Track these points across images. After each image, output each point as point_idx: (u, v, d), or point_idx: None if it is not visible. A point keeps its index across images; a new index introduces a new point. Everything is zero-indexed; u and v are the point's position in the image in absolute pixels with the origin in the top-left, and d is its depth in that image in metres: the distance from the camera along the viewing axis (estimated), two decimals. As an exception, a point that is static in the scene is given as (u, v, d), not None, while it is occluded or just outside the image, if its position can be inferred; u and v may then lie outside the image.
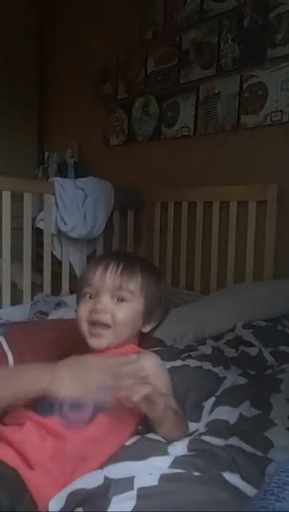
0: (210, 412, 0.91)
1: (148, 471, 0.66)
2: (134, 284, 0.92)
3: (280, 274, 1.97)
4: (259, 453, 0.74)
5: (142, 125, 2.67)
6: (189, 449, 0.75)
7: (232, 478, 0.67)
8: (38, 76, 3.44)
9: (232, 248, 2.12)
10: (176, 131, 2.46)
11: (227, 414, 0.88)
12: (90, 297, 0.92)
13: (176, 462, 0.69)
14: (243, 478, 0.67)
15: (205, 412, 0.92)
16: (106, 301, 0.90)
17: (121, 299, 0.90)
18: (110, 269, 0.92)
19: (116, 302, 0.90)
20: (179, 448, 0.75)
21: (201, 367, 1.10)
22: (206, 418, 0.90)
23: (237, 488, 0.65)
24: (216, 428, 0.83)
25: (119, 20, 2.75)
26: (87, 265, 1.10)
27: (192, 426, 0.88)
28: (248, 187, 2.06)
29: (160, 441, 0.78)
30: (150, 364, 0.86)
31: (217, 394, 0.97)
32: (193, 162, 2.37)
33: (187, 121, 2.40)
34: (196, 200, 2.29)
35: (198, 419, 0.90)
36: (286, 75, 1.95)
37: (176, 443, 0.77)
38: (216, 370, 1.09)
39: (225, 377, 1.05)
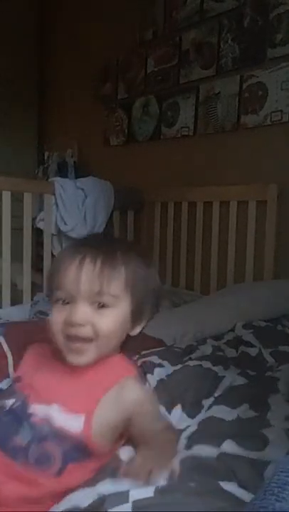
0: (207, 409, 0.91)
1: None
2: (117, 285, 0.75)
3: (280, 274, 1.97)
4: (255, 456, 0.73)
5: (142, 125, 2.67)
6: (183, 464, 0.71)
7: (229, 486, 0.66)
8: (38, 76, 3.44)
9: (232, 248, 2.12)
10: (176, 131, 2.46)
11: (223, 413, 0.88)
12: (64, 303, 0.75)
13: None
14: (240, 485, 0.66)
15: (203, 410, 0.92)
16: (84, 310, 0.73)
17: (102, 305, 0.74)
18: (85, 268, 0.73)
19: (97, 309, 0.74)
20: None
21: (200, 365, 1.10)
22: (202, 415, 0.90)
23: (235, 497, 0.64)
24: (208, 429, 0.82)
25: (119, 20, 2.75)
26: (55, 258, 0.89)
27: (187, 422, 0.88)
28: (248, 187, 2.06)
29: None
30: (133, 396, 0.75)
31: (216, 394, 0.97)
32: (193, 162, 2.37)
33: (187, 121, 2.40)
34: (196, 200, 2.29)
35: (194, 416, 0.90)
36: (286, 75, 1.95)
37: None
38: (215, 369, 1.09)
39: (224, 377, 1.05)
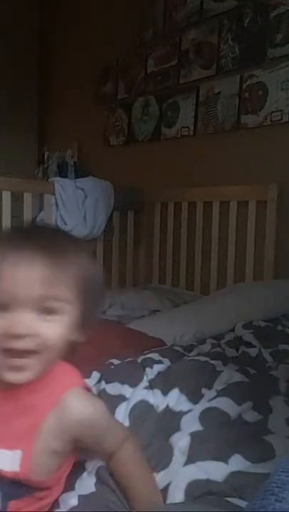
0: (210, 400, 0.91)
1: None
2: (66, 287, 0.62)
3: (280, 274, 1.97)
4: (263, 470, 0.71)
5: (141, 125, 2.67)
6: (187, 494, 0.69)
7: (233, 499, 0.66)
8: (39, 76, 3.44)
9: (232, 248, 2.12)
10: (176, 131, 2.46)
11: (228, 406, 0.88)
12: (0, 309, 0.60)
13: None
14: (244, 499, 0.65)
15: (204, 399, 0.92)
16: (27, 319, 0.60)
17: (48, 311, 0.61)
18: (26, 267, 0.60)
19: (42, 316, 0.61)
20: (177, 494, 0.69)
21: (198, 360, 1.10)
22: (204, 403, 0.90)
23: (240, 507, 0.64)
24: (213, 429, 0.82)
25: (119, 20, 2.75)
26: None
27: (188, 405, 0.88)
28: (248, 187, 2.06)
29: None
30: (80, 416, 0.65)
31: (218, 388, 0.97)
32: (193, 162, 2.37)
33: (187, 121, 2.40)
34: (196, 200, 2.29)
35: (196, 402, 0.91)
36: (286, 74, 1.95)
37: (172, 488, 0.70)
38: (213, 362, 1.09)
39: (222, 371, 1.05)
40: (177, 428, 0.83)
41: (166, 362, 1.10)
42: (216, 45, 2.23)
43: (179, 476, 0.71)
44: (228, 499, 0.66)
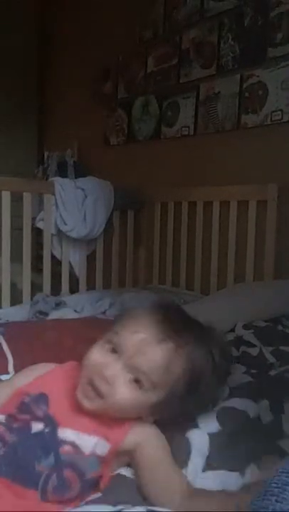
0: (225, 399, 0.91)
1: None
2: (167, 376, 0.71)
3: (280, 274, 1.97)
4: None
5: (142, 125, 2.67)
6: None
7: None
8: (38, 76, 3.44)
9: (232, 248, 2.11)
10: (176, 131, 2.45)
11: (246, 405, 0.88)
12: (111, 350, 0.73)
13: None
14: None
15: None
16: (117, 370, 0.70)
17: (136, 381, 0.70)
18: (151, 344, 0.71)
19: (128, 377, 0.71)
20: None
21: None
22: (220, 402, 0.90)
23: None
24: (232, 428, 0.82)
25: (119, 19, 2.74)
26: (130, 309, 0.89)
27: None
28: (248, 187, 2.06)
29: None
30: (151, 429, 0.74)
31: (230, 385, 0.97)
32: (193, 162, 2.36)
33: (187, 121, 2.39)
34: (196, 200, 2.29)
35: None
36: (287, 74, 1.95)
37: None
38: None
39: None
40: (195, 425, 0.82)
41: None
42: (216, 44, 2.23)
43: (196, 482, 0.72)
44: None
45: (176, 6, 2.43)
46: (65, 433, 0.70)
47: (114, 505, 0.64)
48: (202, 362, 0.73)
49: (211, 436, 0.80)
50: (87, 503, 0.67)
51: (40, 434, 0.69)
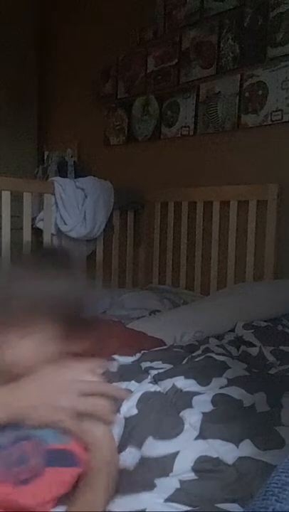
0: (221, 387, 0.91)
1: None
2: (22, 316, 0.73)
3: (280, 274, 1.97)
4: (272, 460, 0.71)
5: (142, 125, 2.67)
6: (195, 469, 0.69)
7: (229, 507, 0.64)
8: (38, 76, 3.43)
9: (232, 248, 2.11)
10: (176, 131, 2.45)
11: (241, 395, 0.88)
12: None
13: (170, 499, 0.65)
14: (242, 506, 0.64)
15: (216, 386, 0.92)
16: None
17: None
18: None
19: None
20: (185, 465, 0.70)
21: (209, 356, 1.10)
22: (216, 388, 0.90)
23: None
24: (227, 409, 0.82)
25: (119, 19, 2.74)
26: None
27: (197, 387, 0.88)
28: (248, 187, 2.06)
29: (164, 457, 0.72)
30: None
31: (229, 377, 0.97)
32: (193, 162, 2.36)
33: (187, 121, 2.39)
34: (196, 200, 2.28)
35: (205, 384, 0.91)
36: (286, 74, 1.95)
37: (181, 458, 0.71)
38: (222, 358, 1.09)
39: (230, 368, 1.05)
40: (189, 405, 0.83)
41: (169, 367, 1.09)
42: (216, 44, 2.23)
43: (188, 448, 0.72)
44: (221, 505, 0.65)
45: (176, 5, 2.43)
46: None
47: None
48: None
49: (206, 414, 0.80)
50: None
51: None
